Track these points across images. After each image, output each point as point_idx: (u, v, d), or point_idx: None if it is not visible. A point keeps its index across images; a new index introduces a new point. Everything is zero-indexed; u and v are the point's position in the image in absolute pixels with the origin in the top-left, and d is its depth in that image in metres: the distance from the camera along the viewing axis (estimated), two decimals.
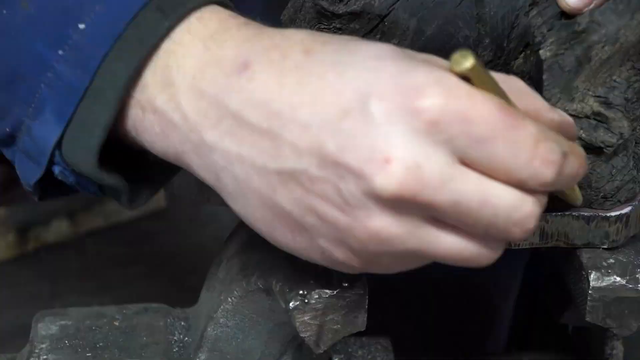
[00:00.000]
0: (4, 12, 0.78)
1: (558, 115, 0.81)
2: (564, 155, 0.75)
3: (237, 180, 0.73)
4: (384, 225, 0.70)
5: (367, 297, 0.87)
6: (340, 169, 0.69)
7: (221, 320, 0.97)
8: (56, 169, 0.78)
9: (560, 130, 0.80)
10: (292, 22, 0.98)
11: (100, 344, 1.01)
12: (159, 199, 1.63)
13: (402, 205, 0.69)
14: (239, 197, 0.74)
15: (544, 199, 0.76)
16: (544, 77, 0.93)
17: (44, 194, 0.82)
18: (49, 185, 0.81)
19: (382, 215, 0.70)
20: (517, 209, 0.72)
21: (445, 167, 0.69)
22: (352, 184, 0.69)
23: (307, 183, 0.70)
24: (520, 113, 0.74)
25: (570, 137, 0.81)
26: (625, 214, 0.92)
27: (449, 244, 0.73)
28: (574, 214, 0.91)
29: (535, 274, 1.29)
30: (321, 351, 0.89)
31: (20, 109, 0.77)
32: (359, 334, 1.02)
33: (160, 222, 1.62)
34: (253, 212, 0.75)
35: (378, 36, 0.95)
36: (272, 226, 0.75)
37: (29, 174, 0.80)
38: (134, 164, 0.83)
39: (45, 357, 1.00)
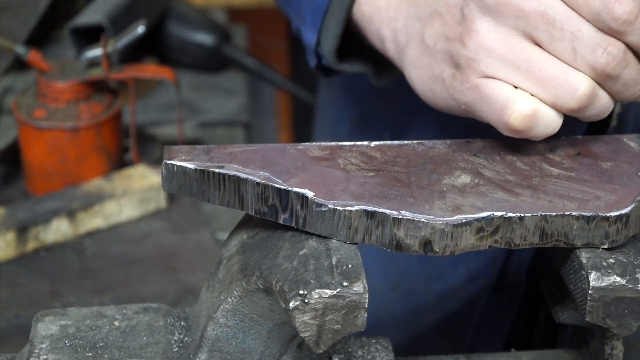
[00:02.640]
0: None
1: None
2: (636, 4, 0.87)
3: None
4: (485, 28, 0.91)
5: (367, 297, 0.87)
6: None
7: (221, 320, 0.97)
8: (322, 59, 1.15)
9: None
10: None
11: (100, 344, 1.01)
12: (159, 199, 1.63)
13: (499, 12, 0.90)
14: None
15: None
16: None
17: (324, 74, 1.19)
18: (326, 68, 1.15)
19: (483, 20, 0.92)
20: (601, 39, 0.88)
21: None
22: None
23: (443, 10, 0.96)
24: None
25: None
26: (625, 214, 0.92)
27: (541, 59, 0.89)
28: (573, 214, 0.91)
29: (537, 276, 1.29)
30: (321, 351, 0.89)
31: (297, 18, 1.20)
32: (359, 334, 1.02)
33: (160, 222, 1.61)
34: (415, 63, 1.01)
35: None
36: (422, 73, 1.00)
37: (310, 61, 1.17)
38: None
39: (45, 357, 1.00)
